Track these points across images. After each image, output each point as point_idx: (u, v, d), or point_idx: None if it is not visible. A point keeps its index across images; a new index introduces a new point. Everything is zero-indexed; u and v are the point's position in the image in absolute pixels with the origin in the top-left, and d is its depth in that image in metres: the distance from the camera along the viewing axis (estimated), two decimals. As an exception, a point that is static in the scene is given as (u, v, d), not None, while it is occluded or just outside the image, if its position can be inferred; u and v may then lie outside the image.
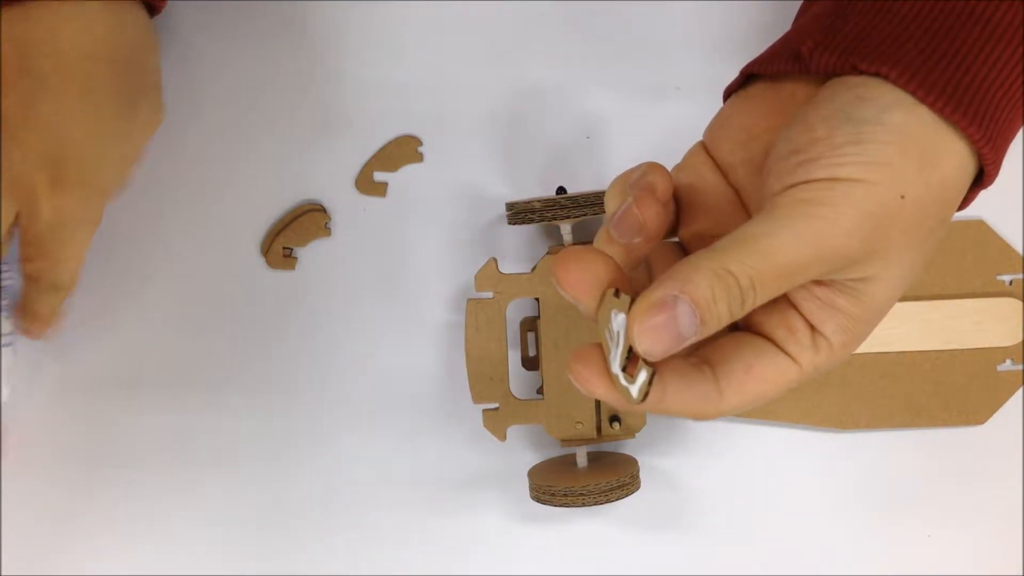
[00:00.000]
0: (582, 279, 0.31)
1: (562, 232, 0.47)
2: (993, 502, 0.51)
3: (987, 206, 0.50)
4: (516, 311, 0.50)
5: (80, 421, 0.51)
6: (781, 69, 0.35)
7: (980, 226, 0.50)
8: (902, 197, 0.31)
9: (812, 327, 0.33)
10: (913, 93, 0.32)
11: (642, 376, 0.31)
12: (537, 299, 0.48)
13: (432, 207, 0.51)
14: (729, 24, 0.50)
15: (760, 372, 0.33)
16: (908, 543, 0.51)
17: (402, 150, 0.50)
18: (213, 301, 0.51)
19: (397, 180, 0.51)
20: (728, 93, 0.38)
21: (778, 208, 0.31)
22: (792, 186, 0.31)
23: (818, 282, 0.33)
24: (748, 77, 0.37)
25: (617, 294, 0.31)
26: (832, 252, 0.31)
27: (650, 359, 0.30)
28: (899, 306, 0.50)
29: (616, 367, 0.31)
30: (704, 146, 0.37)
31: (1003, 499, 0.51)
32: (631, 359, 0.31)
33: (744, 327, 0.35)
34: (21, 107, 0.39)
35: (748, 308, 0.31)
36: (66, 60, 0.40)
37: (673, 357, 0.32)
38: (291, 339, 0.51)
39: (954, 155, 0.32)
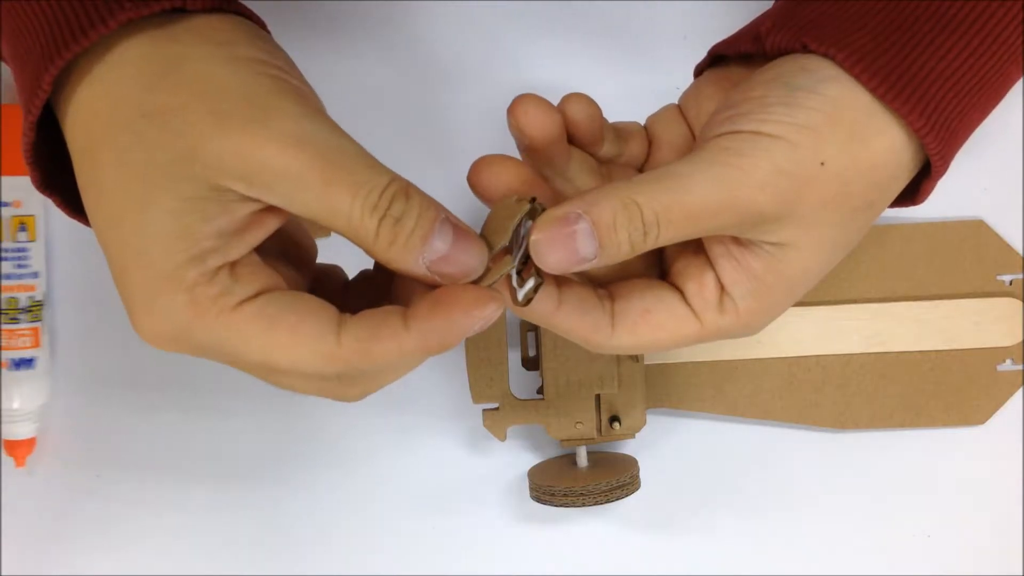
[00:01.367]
0: (493, 182, 0.33)
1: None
2: (993, 502, 0.51)
3: (987, 206, 0.50)
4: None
5: (80, 421, 0.51)
6: (742, 49, 0.36)
7: (980, 226, 0.50)
8: (822, 164, 0.32)
9: (723, 288, 0.34)
10: (857, 77, 0.32)
11: (529, 283, 0.32)
12: (537, 299, 0.48)
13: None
14: (730, 24, 0.50)
15: (657, 318, 0.34)
16: (908, 543, 0.51)
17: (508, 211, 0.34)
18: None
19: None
20: (698, 71, 0.40)
21: (699, 152, 0.32)
22: (719, 135, 0.33)
23: (736, 242, 0.33)
24: (716, 58, 0.39)
25: (532, 201, 0.32)
26: (743, 203, 0.31)
27: (547, 270, 0.31)
28: (899, 306, 0.50)
29: (512, 268, 0.32)
30: (678, 107, 0.39)
31: (1003, 499, 0.51)
32: (527, 265, 0.32)
33: (661, 276, 0.36)
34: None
35: (651, 243, 0.31)
36: None
37: (576, 281, 0.33)
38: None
39: (887, 138, 0.33)
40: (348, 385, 0.33)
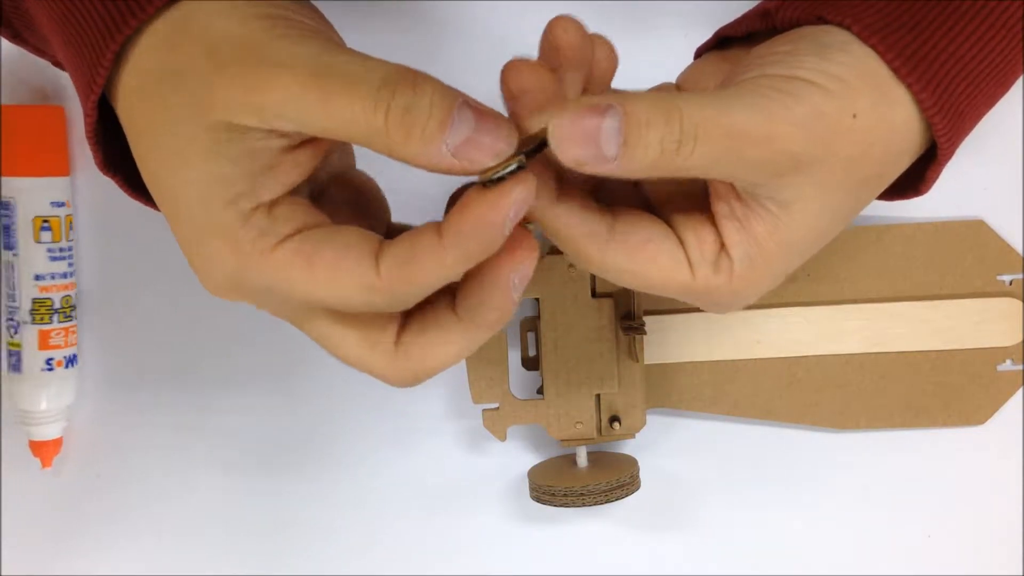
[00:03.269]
0: (528, 86, 0.31)
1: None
2: (993, 502, 0.51)
3: (987, 206, 0.50)
4: (516, 311, 0.50)
5: (88, 421, 0.51)
6: (750, 27, 0.36)
7: (980, 226, 0.50)
8: (854, 116, 0.31)
9: (723, 247, 0.33)
10: (874, 47, 0.32)
11: (512, 165, 0.29)
12: (537, 299, 0.48)
13: (433, 206, 0.51)
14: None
15: (654, 251, 0.33)
16: (908, 543, 0.51)
17: None
18: (219, 302, 0.51)
19: (396, 177, 0.51)
20: (699, 54, 0.39)
21: (738, 86, 0.32)
22: (752, 78, 0.32)
23: (741, 202, 0.33)
24: (721, 41, 0.38)
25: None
26: (781, 138, 0.30)
27: (563, 161, 0.29)
28: (899, 306, 0.50)
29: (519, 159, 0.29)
30: (676, 86, 0.39)
31: (1003, 499, 0.51)
32: (535, 149, 0.29)
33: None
34: None
35: (682, 159, 0.30)
36: None
37: (579, 187, 0.32)
38: (291, 340, 0.51)
39: (904, 109, 0.33)
40: (400, 358, 0.32)
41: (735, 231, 0.33)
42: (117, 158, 0.35)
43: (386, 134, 0.28)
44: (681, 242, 0.33)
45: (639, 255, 0.33)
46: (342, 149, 0.37)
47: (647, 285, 0.33)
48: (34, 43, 0.39)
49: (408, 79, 0.29)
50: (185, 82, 0.30)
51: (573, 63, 0.32)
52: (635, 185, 0.36)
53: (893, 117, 0.33)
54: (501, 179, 0.29)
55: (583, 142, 0.29)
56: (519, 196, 0.29)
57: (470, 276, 0.31)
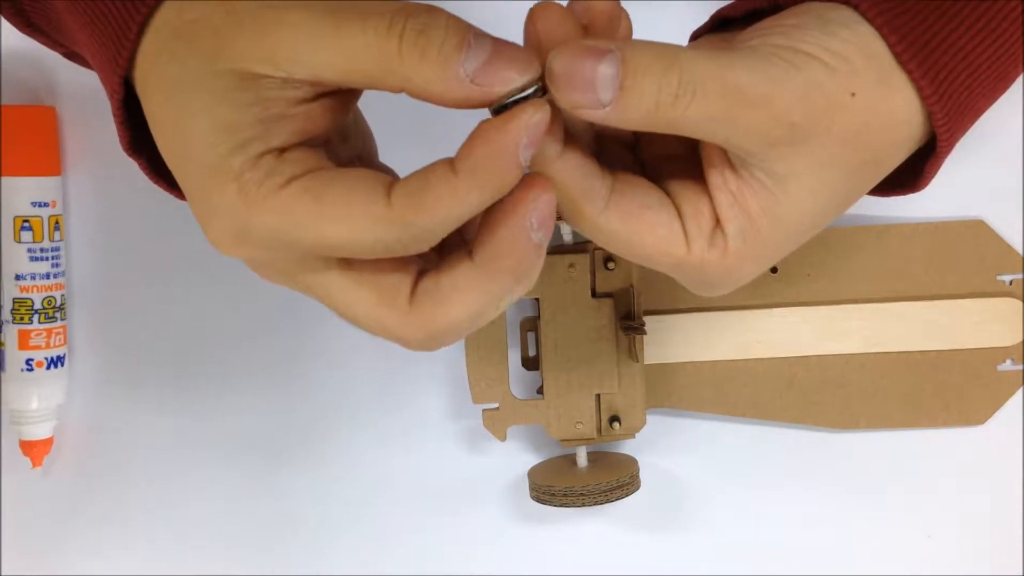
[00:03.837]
0: (553, 29, 0.30)
1: (562, 232, 0.47)
2: (993, 502, 0.51)
3: (987, 206, 0.50)
4: (516, 311, 0.50)
5: (80, 421, 0.51)
6: (751, 6, 0.35)
7: (980, 226, 0.50)
8: (853, 95, 0.31)
9: (718, 222, 0.33)
10: (879, 29, 0.32)
11: (530, 91, 0.28)
12: (537, 299, 0.48)
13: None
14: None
15: (652, 219, 0.32)
16: (908, 543, 0.51)
17: None
18: (214, 300, 0.51)
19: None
20: (694, 37, 0.38)
21: (740, 50, 0.31)
22: (755, 46, 0.32)
23: (736, 174, 0.32)
24: (717, 26, 0.37)
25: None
26: (779, 103, 0.30)
27: (556, 100, 0.29)
28: (899, 306, 0.50)
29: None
30: None
31: (1003, 499, 0.51)
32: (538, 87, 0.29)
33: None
34: None
35: (678, 112, 0.29)
36: None
37: (584, 150, 0.31)
38: (291, 340, 0.51)
39: (904, 96, 0.32)
40: (414, 313, 0.31)
41: (729, 205, 0.32)
42: (140, 144, 0.35)
43: (401, 59, 0.28)
44: (679, 214, 0.33)
45: (635, 220, 0.32)
46: (365, 137, 0.37)
47: (640, 254, 0.33)
48: (48, 31, 0.39)
49: (422, 6, 0.28)
50: (198, 33, 0.30)
51: (601, 28, 0.32)
52: (632, 153, 0.35)
53: (893, 102, 0.32)
54: (512, 101, 0.29)
55: (579, 85, 0.29)
56: (531, 119, 0.28)
57: (486, 220, 0.30)
